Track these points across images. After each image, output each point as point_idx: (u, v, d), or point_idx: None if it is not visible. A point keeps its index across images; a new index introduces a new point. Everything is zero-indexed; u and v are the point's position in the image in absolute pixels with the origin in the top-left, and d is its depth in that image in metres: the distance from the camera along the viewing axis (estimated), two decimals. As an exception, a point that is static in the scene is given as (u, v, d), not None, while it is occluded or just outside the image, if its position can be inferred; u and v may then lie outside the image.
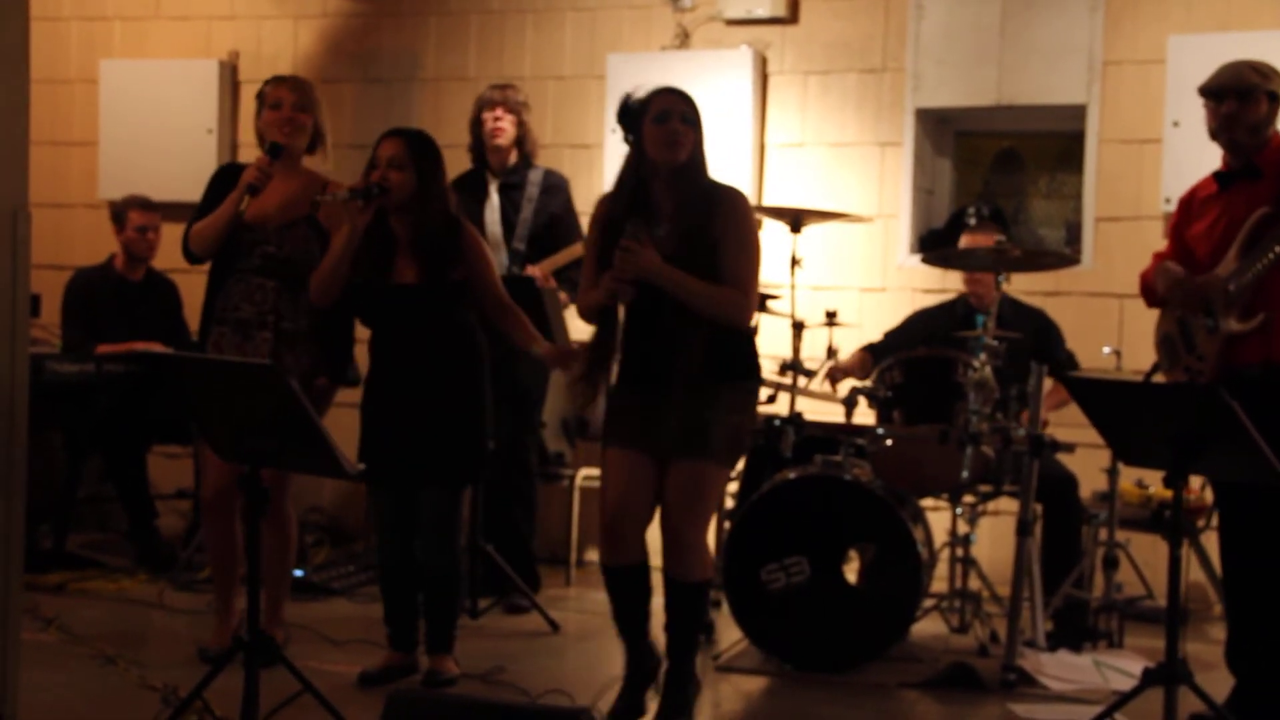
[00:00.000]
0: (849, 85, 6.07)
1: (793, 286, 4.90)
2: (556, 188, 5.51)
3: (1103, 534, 4.86)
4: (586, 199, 6.13)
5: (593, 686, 4.06)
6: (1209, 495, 4.72)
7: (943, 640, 4.82)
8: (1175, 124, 5.49)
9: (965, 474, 4.44)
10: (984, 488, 4.70)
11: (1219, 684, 3.82)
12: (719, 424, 3.67)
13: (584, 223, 5.71)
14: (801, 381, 4.90)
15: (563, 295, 5.31)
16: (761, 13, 6.07)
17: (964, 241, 5.11)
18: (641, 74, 6.17)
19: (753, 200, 5.34)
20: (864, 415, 4.71)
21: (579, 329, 5.95)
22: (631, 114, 3.70)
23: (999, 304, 4.69)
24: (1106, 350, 5.08)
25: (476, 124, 5.46)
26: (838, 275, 5.99)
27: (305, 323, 4.24)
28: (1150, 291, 4.03)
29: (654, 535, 3.74)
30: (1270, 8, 5.53)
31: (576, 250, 5.44)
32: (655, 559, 3.74)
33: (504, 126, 5.39)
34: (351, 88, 6.68)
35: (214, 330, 4.28)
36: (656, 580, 3.83)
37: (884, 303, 5.90)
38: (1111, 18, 5.72)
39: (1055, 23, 5.77)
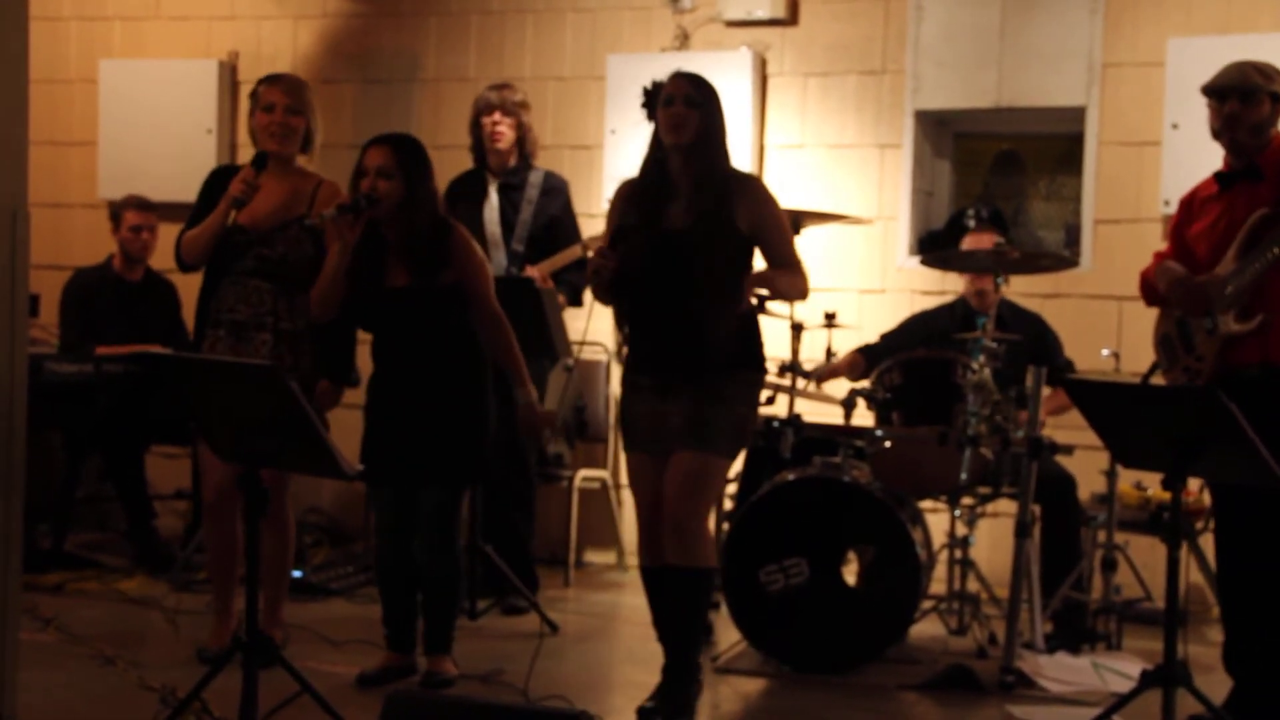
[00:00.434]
0: (849, 87, 6.07)
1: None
2: (556, 190, 5.51)
3: (1101, 536, 4.86)
4: (586, 200, 6.15)
5: (591, 688, 4.05)
6: (1207, 497, 4.71)
7: (941, 642, 4.82)
8: (1175, 126, 5.49)
9: (964, 476, 4.44)
10: (983, 489, 4.70)
11: (1217, 686, 3.82)
12: (723, 416, 3.74)
13: (583, 224, 5.75)
14: (800, 383, 4.90)
15: (561, 298, 5.31)
16: (761, 14, 6.07)
17: (966, 243, 5.11)
18: (641, 75, 6.14)
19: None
20: (863, 417, 4.71)
21: (577, 329, 5.96)
22: (652, 100, 3.83)
23: (998, 308, 4.69)
24: (1105, 352, 5.08)
25: (476, 126, 5.46)
26: (837, 277, 6.00)
27: (303, 323, 4.24)
28: (1150, 290, 4.03)
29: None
30: (1270, 10, 5.54)
31: (575, 252, 5.45)
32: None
33: (503, 131, 5.39)
34: (351, 88, 6.68)
35: (209, 332, 4.28)
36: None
37: (883, 304, 5.90)
38: (1111, 20, 5.73)
39: (1055, 25, 5.77)
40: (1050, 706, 4.13)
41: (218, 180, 4.35)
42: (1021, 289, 5.45)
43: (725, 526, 4.80)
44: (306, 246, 4.22)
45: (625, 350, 3.91)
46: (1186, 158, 5.31)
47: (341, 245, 3.99)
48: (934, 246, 5.88)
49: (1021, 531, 4.37)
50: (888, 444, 4.50)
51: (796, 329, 4.86)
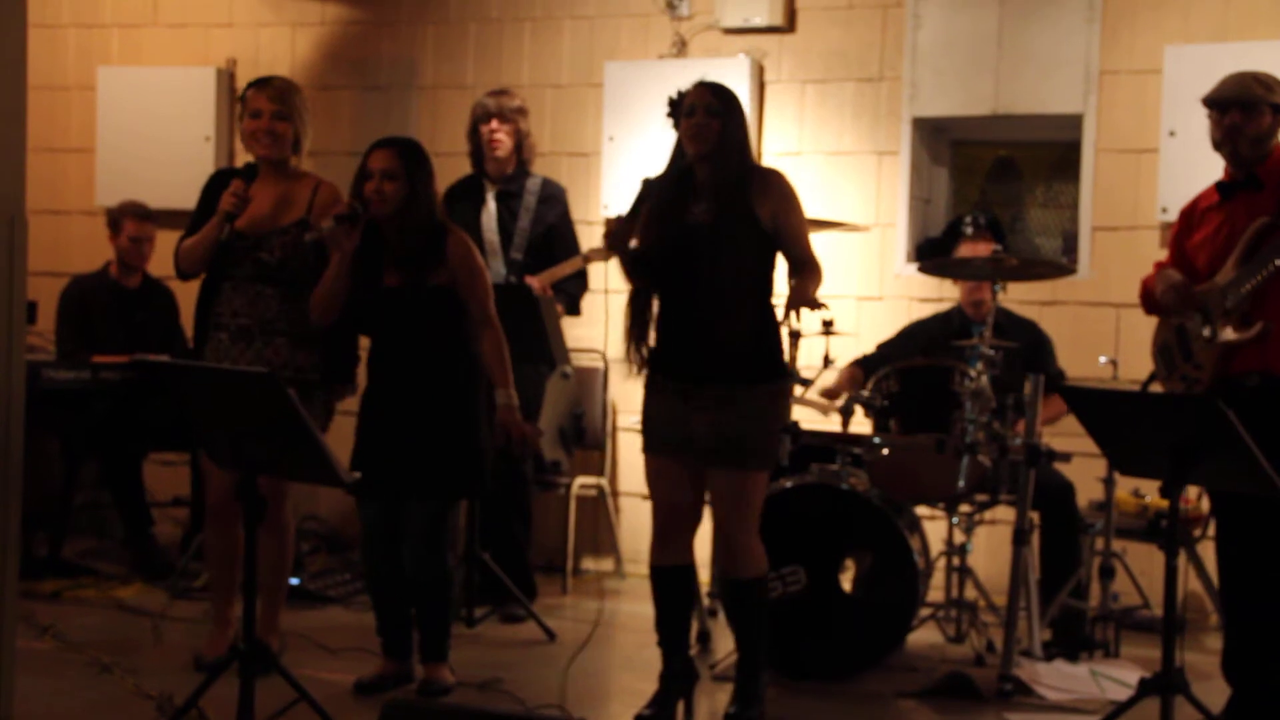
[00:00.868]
0: (846, 94, 6.08)
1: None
2: (554, 197, 5.51)
3: (1099, 543, 4.86)
4: (584, 207, 6.15)
5: (588, 696, 4.04)
6: (1205, 505, 4.72)
7: (939, 649, 4.81)
8: (1172, 134, 5.50)
9: (962, 483, 4.44)
10: (980, 497, 4.69)
11: (1216, 694, 3.82)
12: (753, 432, 3.78)
13: (581, 232, 5.75)
14: (798, 390, 4.89)
15: (559, 307, 5.31)
16: (759, 21, 6.07)
17: (963, 251, 5.11)
18: (639, 82, 6.20)
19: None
20: (861, 424, 4.71)
21: (574, 337, 5.97)
22: (676, 109, 3.90)
23: (995, 315, 4.69)
24: (1103, 360, 5.08)
25: (474, 133, 5.46)
26: (834, 284, 5.97)
27: (306, 327, 4.23)
28: (1150, 297, 4.03)
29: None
30: (1267, 18, 5.54)
31: (577, 263, 5.45)
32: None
33: (501, 139, 5.39)
34: (349, 95, 6.68)
35: (212, 336, 4.27)
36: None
37: (881, 312, 5.90)
38: (1108, 28, 5.73)
39: (1052, 32, 5.78)
40: (1048, 714, 4.13)
41: (217, 183, 4.34)
42: (1019, 296, 5.45)
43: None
44: (306, 249, 4.21)
45: (631, 348, 3.91)
46: (1183, 165, 5.31)
47: (341, 255, 4.00)
48: (931, 254, 5.88)
49: (1019, 539, 4.37)
50: (885, 451, 4.50)
51: (794, 336, 4.85)
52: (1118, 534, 4.91)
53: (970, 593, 4.88)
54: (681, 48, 6.23)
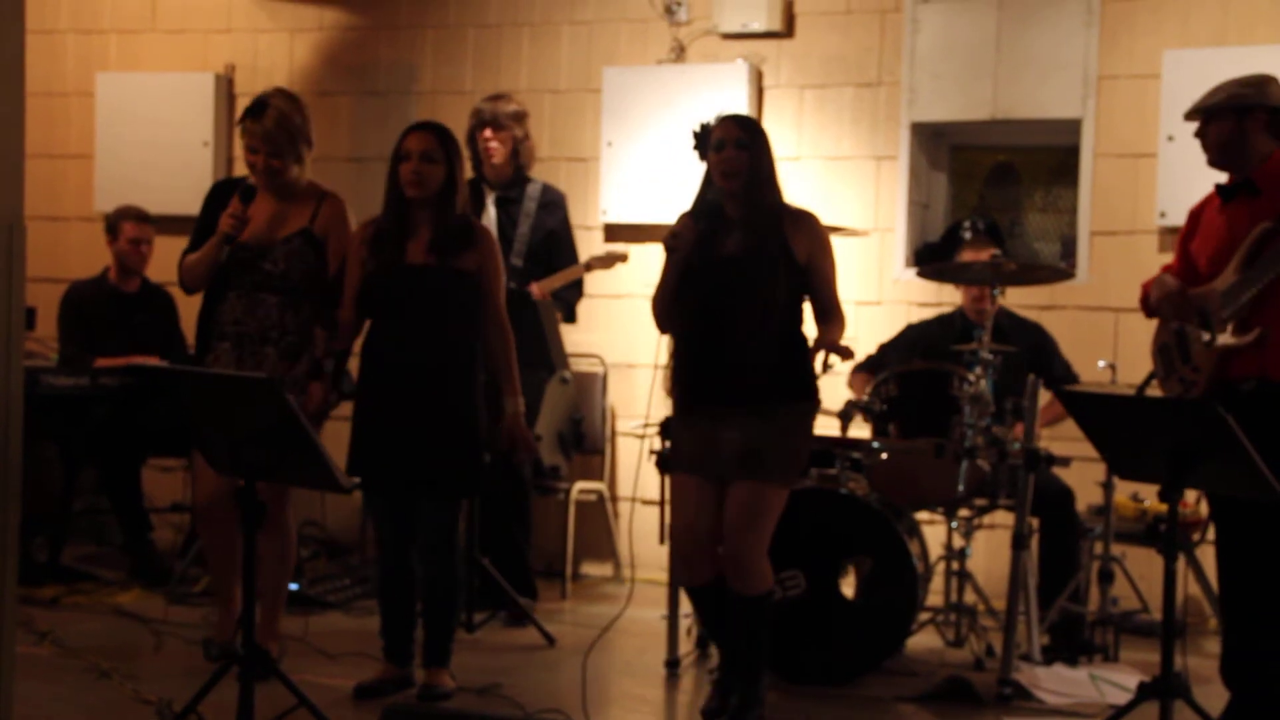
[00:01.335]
0: (844, 99, 6.08)
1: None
2: (554, 203, 5.51)
3: (1098, 548, 4.86)
4: (583, 212, 6.15)
5: (588, 701, 4.04)
6: (1204, 509, 4.72)
7: (938, 654, 4.82)
8: (1170, 138, 5.50)
9: (961, 488, 4.44)
10: (980, 501, 4.70)
11: (1215, 698, 3.82)
12: (777, 446, 3.81)
13: (580, 237, 5.75)
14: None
15: (557, 314, 5.31)
16: (757, 27, 6.08)
17: (965, 255, 5.11)
18: (637, 87, 6.21)
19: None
20: (859, 429, 4.71)
21: (574, 342, 5.97)
22: (703, 141, 3.94)
23: (997, 317, 4.69)
24: (1101, 364, 5.08)
25: (473, 139, 5.46)
26: (833, 289, 5.99)
27: (303, 336, 4.24)
28: (1148, 302, 4.04)
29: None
30: (1266, 22, 5.55)
31: (577, 272, 5.45)
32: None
33: (495, 147, 5.40)
34: (348, 101, 6.68)
35: (214, 344, 4.28)
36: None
37: (880, 316, 5.90)
38: (1107, 32, 5.74)
39: (1050, 37, 5.78)
40: (1047, 718, 4.13)
41: (217, 196, 4.35)
42: (1017, 301, 5.45)
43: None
44: (309, 259, 4.22)
45: (670, 374, 3.96)
46: (1182, 170, 5.31)
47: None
48: (930, 258, 5.89)
49: (1018, 543, 4.37)
50: (884, 456, 4.50)
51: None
52: (1117, 538, 4.91)
53: (969, 597, 4.88)
54: (680, 53, 6.24)
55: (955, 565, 4.82)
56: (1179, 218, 4.25)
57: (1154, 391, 4.06)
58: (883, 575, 4.41)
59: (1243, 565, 3.79)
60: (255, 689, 3.38)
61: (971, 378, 4.46)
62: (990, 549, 5.62)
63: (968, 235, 5.41)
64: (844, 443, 4.65)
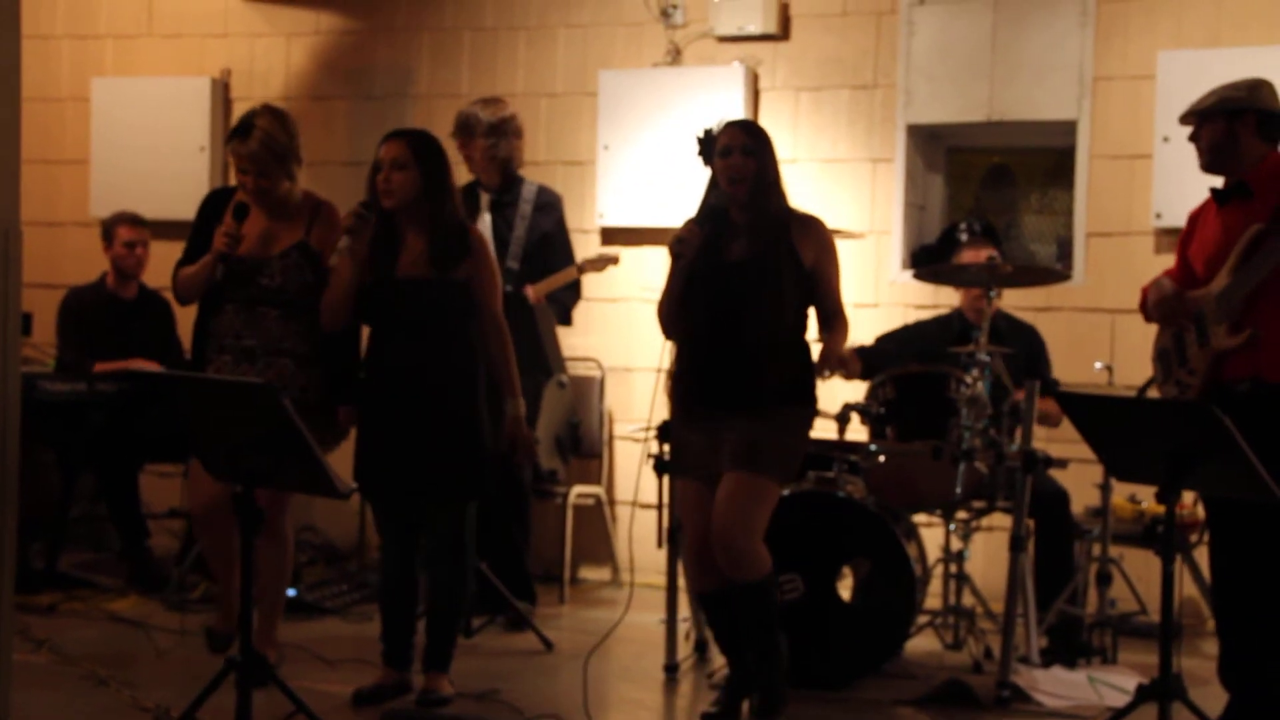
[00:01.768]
0: (840, 101, 6.09)
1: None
2: (549, 205, 5.50)
3: (1096, 549, 4.86)
4: (580, 216, 6.15)
5: (588, 706, 4.04)
6: (1201, 510, 4.72)
7: (937, 657, 4.81)
8: (1165, 139, 5.51)
9: (958, 490, 4.44)
10: (977, 504, 4.70)
11: (1213, 700, 3.82)
12: (772, 441, 3.82)
13: (576, 241, 5.75)
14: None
15: (554, 317, 5.31)
16: (753, 29, 6.09)
17: (966, 256, 5.11)
18: (633, 90, 6.21)
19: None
20: (857, 431, 4.71)
21: (571, 346, 5.97)
22: (708, 147, 3.94)
23: (994, 319, 4.69)
24: (1098, 365, 5.08)
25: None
26: (830, 291, 5.99)
27: (312, 348, 4.23)
28: (1146, 306, 4.04)
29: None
30: (1261, 22, 5.56)
31: (570, 274, 5.44)
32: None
33: (466, 155, 5.37)
34: (344, 104, 6.68)
35: (215, 358, 4.26)
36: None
37: (877, 319, 5.90)
38: (1102, 33, 5.75)
39: (1045, 38, 5.79)
40: (1046, 721, 4.13)
41: (211, 206, 4.34)
42: (1013, 303, 5.45)
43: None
44: (306, 272, 4.22)
45: (671, 373, 3.96)
46: (1178, 171, 5.31)
47: (353, 261, 4.00)
48: (926, 260, 5.89)
49: (1016, 546, 4.37)
50: (882, 459, 4.50)
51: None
52: (1114, 540, 4.92)
53: (968, 599, 4.88)
54: (676, 56, 6.25)
55: (953, 568, 4.82)
56: (1175, 219, 4.27)
57: (1153, 395, 4.07)
58: (881, 578, 4.41)
59: (1239, 567, 3.80)
60: (253, 695, 3.37)
61: (969, 380, 4.46)
62: (988, 551, 5.62)
63: (964, 237, 5.41)
64: (841, 445, 4.65)
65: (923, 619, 4.83)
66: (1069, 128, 5.81)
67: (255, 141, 4.20)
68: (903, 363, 4.79)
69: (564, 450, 5.82)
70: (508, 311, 4.24)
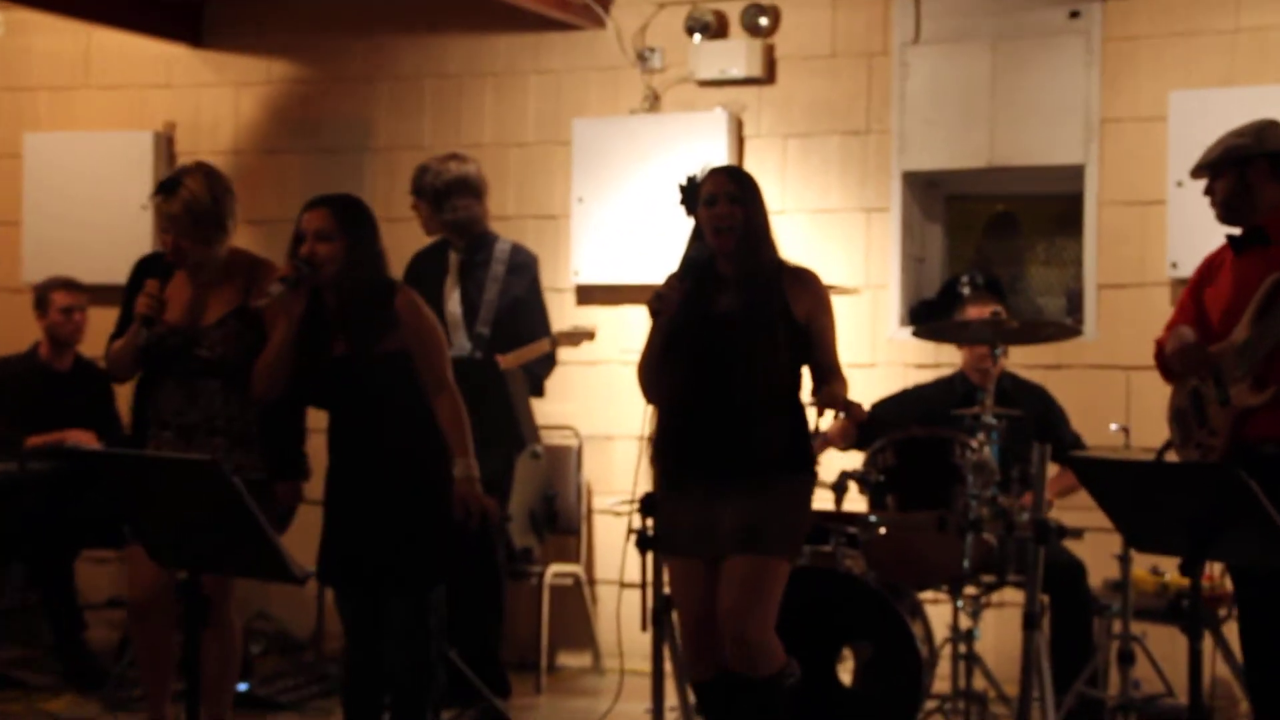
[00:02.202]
0: (831, 148, 6.12)
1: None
2: (523, 267, 5.49)
3: (1116, 626, 4.84)
4: (553, 273, 6.16)
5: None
6: (1230, 582, 4.72)
7: (947, 746, 4.79)
8: (1179, 184, 5.53)
9: (966, 564, 4.43)
10: (987, 578, 4.68)
11: (1247, 788, 3.80)
12: (775, 518, 3.79)
13: (551, 301, 5.74)
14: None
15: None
16: (736, 73, 6.14)
17: (966, 313, 5.13)
18: (609, 139, 6.25)
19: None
20: (855, 501, 4.70)
21: (545, 413, 5.95)
22: (691, 195, 3.93)
23: (999, 379, 4.70)
24: (1114, 427, 5.09)
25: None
26: (824, 351, 6.00)
27: (250, 423, 4.23)
28: (1163, 359, 4.06)
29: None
30: (1275, 61, 5.62)
31: (543, 346, 5.43)
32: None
33: (416, 214, 5.40)
34: (297, 159, 6.70)
35: (155, 434, 4.25)
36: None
37: (874, 379, 5.91)
38: (1109, 73, 5.81)
39: (1049, 79, 5.84)
40: (1068, 815, 4.10)
41: (143, 273, 4.34)
42: (1021, 360, 5.47)
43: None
44: (247, 339, 4.19)
45: (654, 445, 3.93)
46: (1193, 216, 5.33)
47: (287, 321, 3.99)
48: (927, 316, 5.91)
49: (1030, 623, 4.35)
50: (883, 530, 4.49)
51: (815, 434, 4.83)
52: (1136, 616, 4.90)
53: (979, 682, 4.85)
54: (654, 102, 6.29)
55: (963, 648, 4.79)
56: (1191, 268, 4.29)
57: (1171, 458, 4.07)
58: (884, 661, 4.40)
59: (1273, 643, 3.79)
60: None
61: (974, 445, 4.46)
62: (1000, 630, 5.59)
63: (966, 291, 5.44)
64: (839, 517, 4.65)
65: (930, 705, 4.80)
66: (1076, 173, 5.85)
67: (178, 203, 4.20)
68: (903, 426, 4.79)
69: (539, 526, 5.79)
70: (475, 378, 4.24)
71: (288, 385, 4.08)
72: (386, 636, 4.07)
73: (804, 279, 3.96)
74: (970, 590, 4.77)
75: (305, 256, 4.01)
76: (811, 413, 3.96)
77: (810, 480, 3.97)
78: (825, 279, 5.65)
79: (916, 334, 5.04)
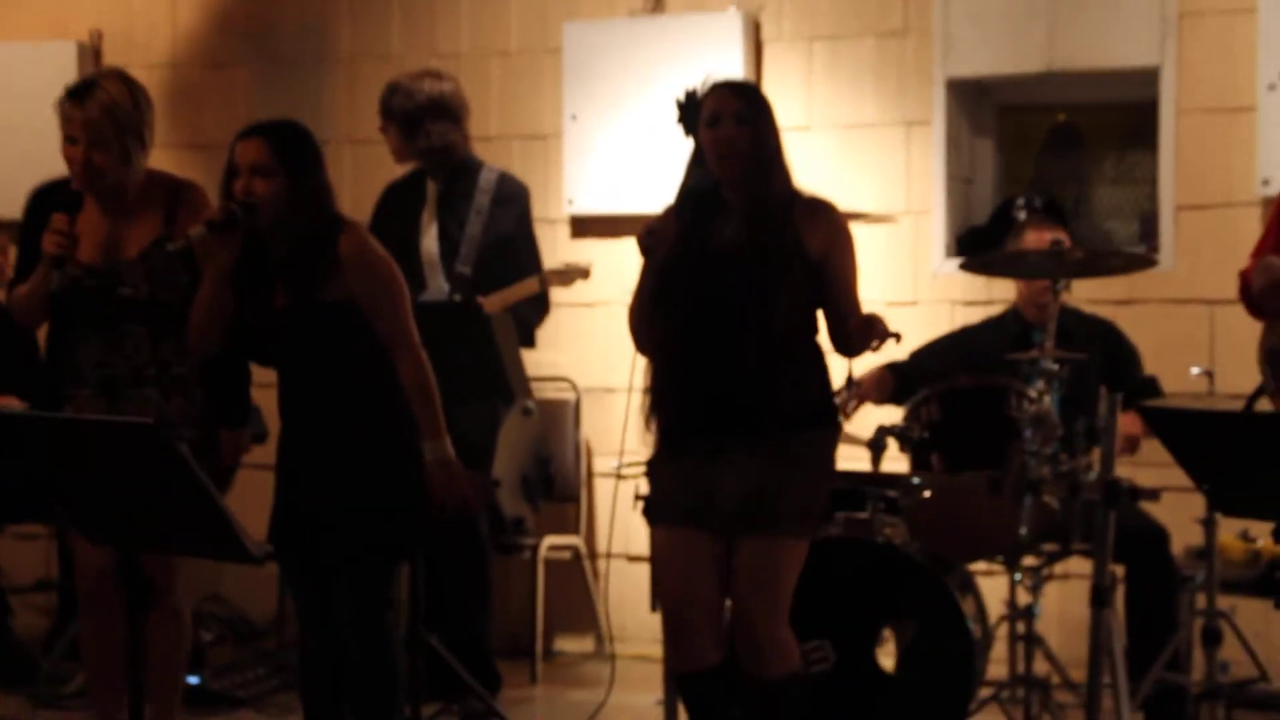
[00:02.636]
0: (864, 53, 6.10)
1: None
2: (512, 199, 5.50)
3: (1200, 601, 4.83)
4: (544, 203, 6.14)
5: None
6: (1330, 548, 4.71)
7: (1004, 740, 4.80)
8: (1271, 87, 5.53)
9: (1024, 531, 4.43)
10: (1049, 547, 4.68)
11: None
12: (788, 487, 3.77)
13: (542, 236, 5.73)
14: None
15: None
16: (753, -35, 6.11)
17: (1029, 241, 5.10)
18: (606, 45, 6.21)
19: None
20: (895, 461, 4.70)
21: (537, 364, 5.95)
22: (690, 114, 3.89)
23: (1061, 317, 4.68)
24: (1195, 371, 5.07)
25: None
26: (857, 287, 5.99)
27: (191, 366, 4.22)
28: (1250, 295, 4.03)
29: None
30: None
31: (531, 286, 5.43)
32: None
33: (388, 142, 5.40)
34: (246, 72, 6.69)
35: (73, 392, 4.23)
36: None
37: (916, 318, 5.89)
38: (1187, -42, 5.77)
39: (1116, -33, 5.81)
40: (1143, 818, 4.11)
41: (38, 207, 4.29)
42: (1087, 295, 5.46)
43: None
44: (177, 271, 4.16)
45: (649, 401, 3.92)
46: (1287, 125, 5.34)
47: (216, 268, 3.96)
48: (977, 246, 5.90)
49: (1099, 598, 4.35)
50: (927, 494, 4.50)
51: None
52: (1223, 588, 4.89)
53: (1040, 667, 4.87)
54: (656, 3, 6.26)
55: (1021, 628, 4.80)
56: (1285, 185, 4.26)
57: (1263, 407, 4.05)
58: (931, 643, 4.42)
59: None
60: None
61: (1032, 394, 4.45)
62: (1064, 606, 5.62)
63: (1022, 216, 5.40)
64: (876, 479, 4.65)
65: (985, 693, 4.82)
66: (1149, 76, 5.83)
67: (96, 106, 4.14)
68: (949, 375, 4.78)
69: (532, 493, 5.82)
70: (455, 324, 4.22)
71: (225, 340, 4.06)
72: (341, 623, 4.07)
73: (820, 210, 3.93)
74: (1029, 561, 4.78)
75: (240, 196, 3.96)
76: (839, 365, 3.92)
77: (832, 436, 3.95)
78: (858, 205, 5.69)
79: (964, 266, 5.01)
